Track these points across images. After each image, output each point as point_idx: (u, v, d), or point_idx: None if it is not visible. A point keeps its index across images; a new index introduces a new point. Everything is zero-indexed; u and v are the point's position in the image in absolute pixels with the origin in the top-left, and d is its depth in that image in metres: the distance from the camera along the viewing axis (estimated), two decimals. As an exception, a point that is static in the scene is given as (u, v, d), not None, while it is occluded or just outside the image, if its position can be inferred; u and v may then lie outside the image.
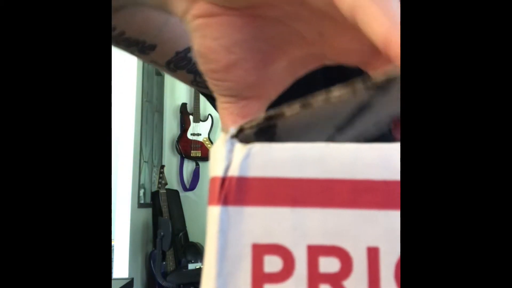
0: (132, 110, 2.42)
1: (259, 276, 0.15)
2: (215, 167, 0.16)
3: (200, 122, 3.07)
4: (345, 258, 0.15)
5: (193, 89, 3.06)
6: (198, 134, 3.09)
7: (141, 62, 2.51)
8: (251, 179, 0.15)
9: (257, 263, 0.15)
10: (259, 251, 0.15)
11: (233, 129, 0.16)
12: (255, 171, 0.15)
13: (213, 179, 0.15)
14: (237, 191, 0.15)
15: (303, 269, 0.15)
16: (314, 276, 0.15)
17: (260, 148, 0.15)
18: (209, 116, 3.12)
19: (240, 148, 0.15)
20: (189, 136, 3.07)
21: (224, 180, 0.15)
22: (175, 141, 3.12)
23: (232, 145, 0.15)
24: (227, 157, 0.15)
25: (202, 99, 3.09)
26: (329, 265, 0.15)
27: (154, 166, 2.92)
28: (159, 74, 2.95)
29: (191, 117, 3.08)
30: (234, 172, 0.15)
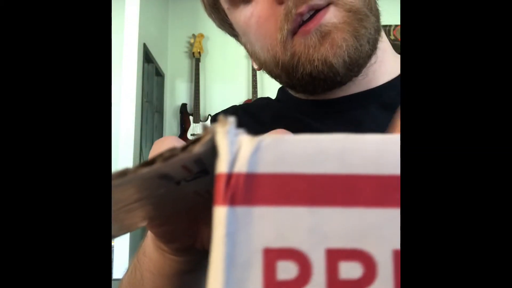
0: (132, 110, 2.41)
1: (271, 284, 0.13)
2: (219, 163, 0.14)
3: (200, 122, 3.06)
4: (368, 262, 0.13)
5: (193, 90, 3.05)
6: (198, 135, 3.08)
7: (141, 63, 2.50)
8: (261, 175, 0.13)
9: (269, 270, 0.13)
10: (271, 256, 0.13)
11: (231, 119, 0.14)
12: (265, 167, 0.13)
13: (218, 176, 0.14)
14: (246, 190, 0.13)
15: (321, 275, 0.13)
16: (334, 283, 0.13)
17: (271, 141, 0.13)
18: (209, 117, 3.11)
19: (247, 141, 0.14)
20: (189, 137, 3.05)
21: (230, 177, 0.13)
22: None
23: (235, 136, 0.14)
24: (230, 151, 0.14)
25: (202, 99, 3.08)
26: (350, 270, 0.13)
27: (154, 166, 2.90)
28: (159, 74, 2.94)
29: (191, 118, 3.07)
30: (241, 168, 0.13)
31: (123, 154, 2.36)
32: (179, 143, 0.23)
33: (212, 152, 0.14)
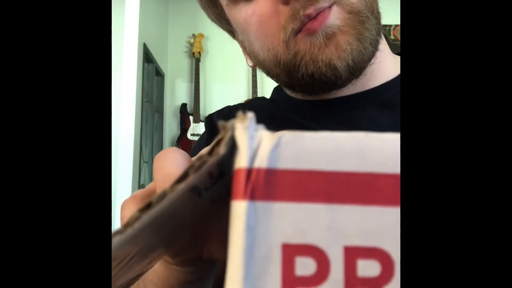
0: (132, 110, 2.41)
1: (290, 279, 0.13)
2: (238, 158, 0.14)
3: (200, 122, 3.05)
4: (386, 260, 0.13)
5: (193, 90, 3.05)
6: (198, 135, 3.08)
7: (141, 62, 2.49)
8: (282, 171, 0.13)
9: (287, 265, 0.13)
10: (290, 252, 0.13)
11: (250, 114, 0.14)
12: (286, 163, 0.13)
13: (237, 171, 0.14)
14: (266, 185, 0.13)
15: (339, 272, 0.13)
16: (352, 280, 0.13)
17: (291, 138, 0.13)
18: (209, 117, 3.10)
19: (268, 137, 0.14)
20: (189, 137, 3.05)
21: (250, 171, 0.13)
22: (175, 142, 3.10)
23: (255, 131, 0.14)
24: (250, 146, 0.14)
25: (202, 99, 3.08)
26: (368, 268, 0.13)
27: (154, 166, 2.90)
28: (159, 74, 2.94)
29: (191, 118, 3.07)
30: (262, 163, 0.13)
31: (123, 154, 2.35)
32: (182, 153, 0.22)
33: (230, 151, 0.14)
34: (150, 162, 2.80)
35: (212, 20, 0.56)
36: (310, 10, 0.42)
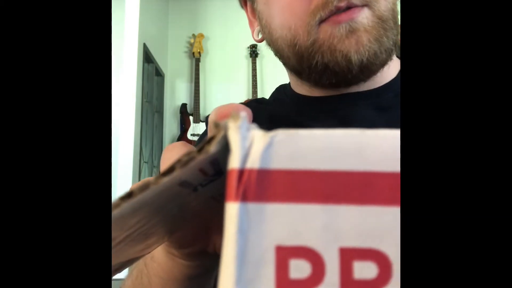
0: (132, 110, 2.40)
1: (284, 282, 0.13)
2: (231, 159, 0.14)
3: (200, 122, 3.05)
4: (383, 262, 0.13)
5: (193, 90, 3.05)
6: (198, 135, 3.07)
7: (141, 63, 2.49)
8: (275, 171, 0.13)
9: (281, 268, 0.13)
10: (284, 254, 0.13)
11: (243, 114, 0.14)
12: (279, 163, 0.13)
13: (230, 172, 0.13)
14: (258, 186, 0.13)
15: (334, 275, 0.13)
16: (348, 283, 0.13)
17: (285, 137, 0.13)
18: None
19: (260, 136, 0.13)
20: (189, 137, 3.05)
21: (242, 172, 0.13)
22: (175, 142, 3.10)
23: (247, 131, 0.13)
24: (242, 146, 0.13)
25: (202, 99, 3.08)
26: (365, 270, 0.13)
27: (154, 166, 2.89)
28: (159, 74, 2.94)
29: (191, 118, 3.06)
30: (254, 163, 0.13)
31: (123, 154, 2.35)
32: (188, 147, 0.22)
33: (225, 150, 0.14)
34: (150, 162, 2.80)
35: None
36: (343, 3, 0.43)
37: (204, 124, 3.10)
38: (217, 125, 0.14)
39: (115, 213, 0.15)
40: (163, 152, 0.24)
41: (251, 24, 0.56)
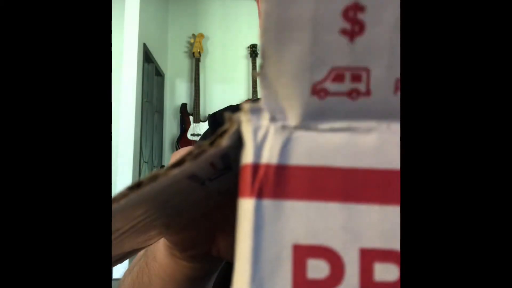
0: (132, 110, 2.40)
1: (301, 282, 0.12)
2: (245, 154, 0.13)
3: (200, 122, 3.05)
4: None
5: (193, 89, 3.04)
6: (198, 135, 3.07)
7: (141, 63, 2.49)
8: (293, 168, 0.12)
9: (299, 268, 0.12)
10: (302, 253, 0.12)
11: (247, 105, 0.13)
12: (298, 159, 0.12)
13: (244, 167, 0.13)
14: (276, 182, 0.12)
15: (354, 276, 0.12)
16: (368, 285, 0.12)
17: (304, 133, 0.12)
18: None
19: (276, 131, 0.13)
20: (189, 137, 3.04)
21: (256, 167, 0.13)
22: (175, 142, 3.09)
23: (258, 120, 0.13)
24: (253, 139, 0.13)
25: (202, 99, 3.07)
26: (386, 272, 0.12)
27: (154, 166, 2.89)
28: (159, 74, 2.93)
29: (191, 118, 3.06)
30: (271, 159, 0.12)
31: (123, 154, 2.35)
32: None
33: (237, 145, 0.13)
34: (150, 162, 2.79)
35: None
36: None
37: (204, 124, 3.09)
38: (230, 119, 0.13)
39: (121, 202, 0.15)
40: (172, 156, 0.23)
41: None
